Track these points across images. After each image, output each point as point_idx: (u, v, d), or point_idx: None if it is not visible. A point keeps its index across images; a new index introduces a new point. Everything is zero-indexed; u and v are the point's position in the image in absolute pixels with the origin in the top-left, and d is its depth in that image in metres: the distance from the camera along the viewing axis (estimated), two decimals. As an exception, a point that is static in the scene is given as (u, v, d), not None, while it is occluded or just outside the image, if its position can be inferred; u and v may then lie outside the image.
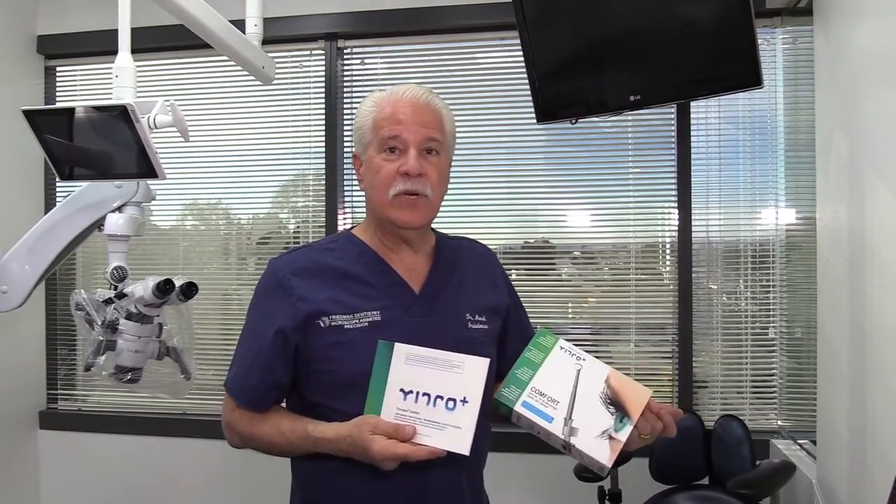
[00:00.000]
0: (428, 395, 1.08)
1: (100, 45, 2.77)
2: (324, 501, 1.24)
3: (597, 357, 1.17)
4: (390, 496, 1.19)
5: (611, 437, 1.09)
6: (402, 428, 1.07)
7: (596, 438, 1.09)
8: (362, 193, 1.31)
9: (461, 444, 1.06)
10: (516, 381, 1.15)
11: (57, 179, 1.55)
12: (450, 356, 1.10)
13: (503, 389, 1.15)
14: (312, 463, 1.21)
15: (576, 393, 1.12)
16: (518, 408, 1.13)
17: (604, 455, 1.08)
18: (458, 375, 1.09)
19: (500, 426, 1.26)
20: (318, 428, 1.16)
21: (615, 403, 1.11)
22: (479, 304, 1.31)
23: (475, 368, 1.09)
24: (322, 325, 1.18)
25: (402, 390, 1.09)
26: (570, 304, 2.74)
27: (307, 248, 1.31)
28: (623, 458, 2.21)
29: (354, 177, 2.72)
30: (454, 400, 1.08)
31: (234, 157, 2.91)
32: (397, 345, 1.11)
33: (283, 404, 1.29)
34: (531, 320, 1.47)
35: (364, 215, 1.34)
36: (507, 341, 1.39)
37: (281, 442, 1.20)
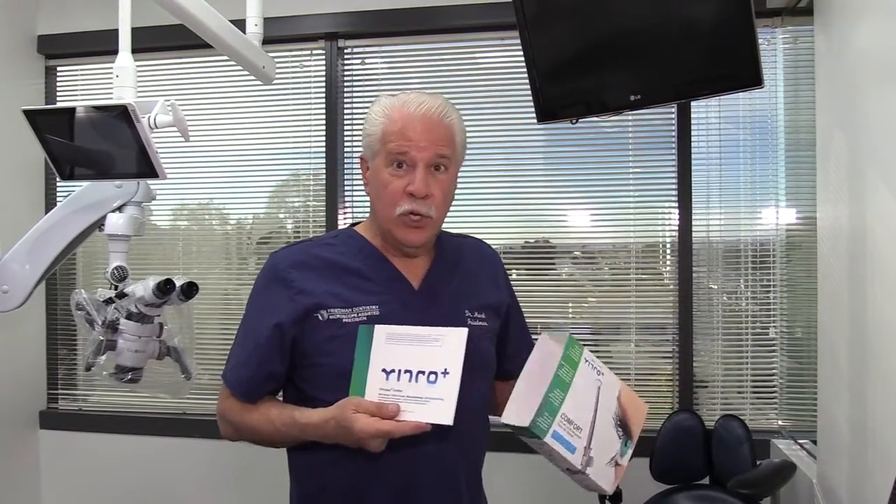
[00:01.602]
0: (410, 372, 1.09)
1: (100, 45, 2.76)
2: (320, 494, 1.25)
3: (597, 357, 1.14)
4: (385, 488, 1.19)
5: (616, 464, 1.06)
6: (385, 406, 1.07)
7: (606, 466, 1.07)
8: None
9: (444, 415, 1.05)
10: (550, 408, 1.05)
11: (57, 179, 1.55)
12: (429, 331, 1.10)
13: (538, 418, 1.04)
14: (308, 455, 1.22)
15: (595, 416, 1.07)
16: (548, 440, 1.04)
17: (608, 482, 1.06)
18: (438, 348, 1.09)
19: (499, 426, 1.26)
20: (303, 414, 1.17)
21: (623, 424, 1.08)
22: (478, 302, 1.31)
23: (455, 339, 1.08)
24: (320, 318, 1.19)
25: (383, 370, 1.10)
26: (570, 304, 2.74)
27: (307, 242, 1.32)
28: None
29: (355, 177, 2.77)
30: (435, 373, 1.07)
31: (235, 157, 2.90)
32: (377, 326, 1.12)
33: (280, 397, 1.29)
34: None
35: (364, 215, 1.35)
36: (507, 340, 1.40)
37: (269, 430, 1.21)
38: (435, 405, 1.06)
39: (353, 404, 1.09)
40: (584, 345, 1.09)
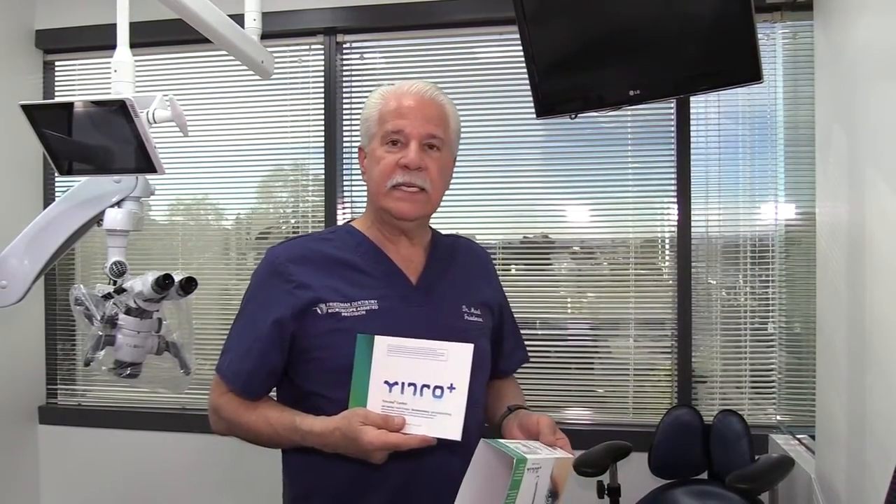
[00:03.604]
0: (414, 385, 1.08)
1: (98, 40, 2.76)
2: (314, 494, 1.25)
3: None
4: (380, 489, 1.19)
5: None
6: (392, 419, 1.07)
7: None
8: (361, 188, 1.33)
9: (452, 430, 1.05)
10: None
11: (56, 174, 1.54)
12: (433, 344, 1.09)
13: None
14: (302, 456, 1.22)
15: None
16: None
17: None
18: (443, 363, 1.08)
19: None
20: (305, 421, 1.15)
21: (552, 492, 1.07)
22: (474, 298, 1.32)
23: (460, 355, 1.08)
24: (319, 311, 1.19)
25: (386, 382, 1.09)
26: (569, 300, 2.73)
27: (305, 237, 1.34)
28: (623, 452, 2.23)
29: (354, 172, 2.77)
30: (441, 388, 1.07)
31: (234, 153, 2.90)
32: (377, 337, 1.11)
33: (274, 393, 1.29)
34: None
35: (364, 210, 1.35)
36: (503, 339, 1.42)
37: (267, 432, 1.20)
38: (442, 420, 1.06)
39: (360, 416, 1.07)
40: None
